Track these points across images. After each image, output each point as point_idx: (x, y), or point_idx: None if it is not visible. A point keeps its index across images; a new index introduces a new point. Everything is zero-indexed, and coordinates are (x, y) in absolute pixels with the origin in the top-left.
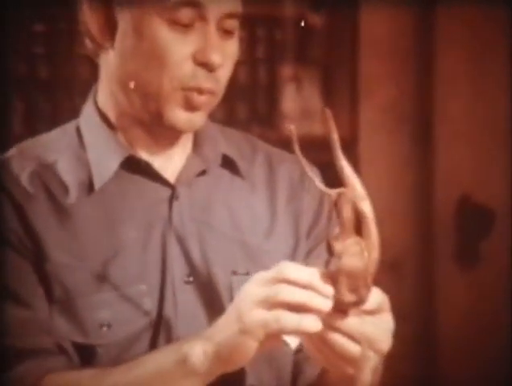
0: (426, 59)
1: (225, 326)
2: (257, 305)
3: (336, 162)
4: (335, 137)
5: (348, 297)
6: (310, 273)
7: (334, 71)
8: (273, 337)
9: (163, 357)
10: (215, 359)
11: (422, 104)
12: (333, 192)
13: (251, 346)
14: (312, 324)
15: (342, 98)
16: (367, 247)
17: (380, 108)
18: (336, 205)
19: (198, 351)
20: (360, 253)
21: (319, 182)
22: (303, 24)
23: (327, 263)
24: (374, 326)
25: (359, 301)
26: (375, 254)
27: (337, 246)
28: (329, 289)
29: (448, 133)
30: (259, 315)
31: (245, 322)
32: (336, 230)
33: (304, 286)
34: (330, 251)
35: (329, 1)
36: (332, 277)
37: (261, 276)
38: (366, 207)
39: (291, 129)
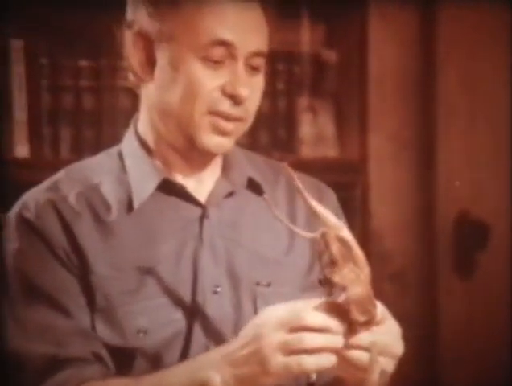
0: (428, 93)
1: (247, 363)
2: (279, 351)
3: (307, 205)
4: (299, 185)
5: (362, 318)
6: (324, 316)
7: (346, 102)
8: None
9: (186, 378)
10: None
11: (424, 132)
12: (317, 234)
13: (272, 383)
14: (329, 361)
15: (353, 127)
16: (359, 267)
17: (386, 136)
18: (324, 244)
19: (218, 380)
20: (358, 279)
21: (303, 232)
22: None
23: (328, 294)
24: (384, 334)
25: (371, 320)
26: (367, 270)
27: (336, 278)
28: (341, 327)
29: (448, 157)
30: (282, 361)
31: (268, 367)
32: (329, 266)
33: (321, 329)
34: (330, 284)
35: (342, 40)
36: (342, 307)
37: (279, 319)
38: (346, 234)
39: (288, 169)
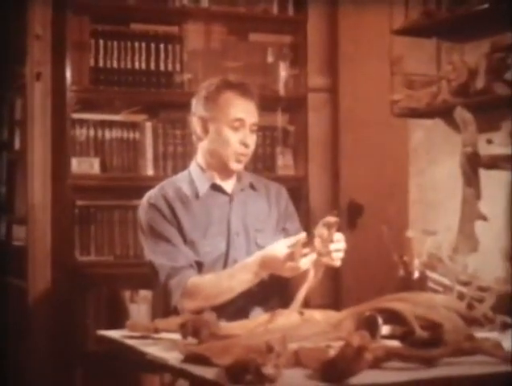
0: (335, 145)
1: (271, 268)
2: (282, 269)
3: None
4: None
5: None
6: (303, 248)
7: (298, 150)
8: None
9: (245, 273)
10: (265, 273)
11: (333, 163)
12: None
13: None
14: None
15: (301, 161)
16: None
17: (316, 165)
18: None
19: (263, 272)
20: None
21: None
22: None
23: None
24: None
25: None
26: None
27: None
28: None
29: (346, 175)
30: (289, 271)
31: (282, 272)
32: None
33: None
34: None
35: (296, 121)
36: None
37: (280, 249)
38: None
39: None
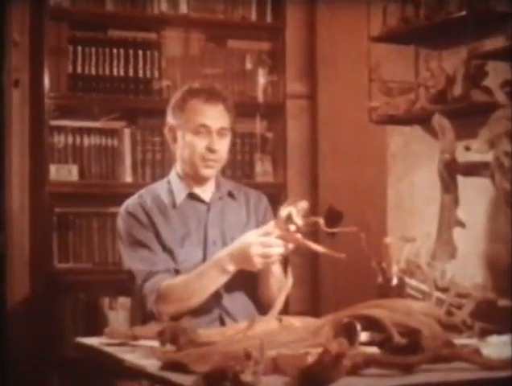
0: (313, 150)
1: (242, 261)
2: (259, 257)
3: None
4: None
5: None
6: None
7: (277, 156)
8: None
9: (214, 269)
10: (237, 268)
11: (312, 170)
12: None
13: (254, 267)
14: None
15: (279, 167)
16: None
17: (295, 172)
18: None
19: (232, 267)
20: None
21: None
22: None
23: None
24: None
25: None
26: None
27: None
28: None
29: (324, 182)
30: (258, 261)
31: (252, 263)
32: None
33: (270, 245)
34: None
35: (274, 128)
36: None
37: (256, 242)
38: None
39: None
